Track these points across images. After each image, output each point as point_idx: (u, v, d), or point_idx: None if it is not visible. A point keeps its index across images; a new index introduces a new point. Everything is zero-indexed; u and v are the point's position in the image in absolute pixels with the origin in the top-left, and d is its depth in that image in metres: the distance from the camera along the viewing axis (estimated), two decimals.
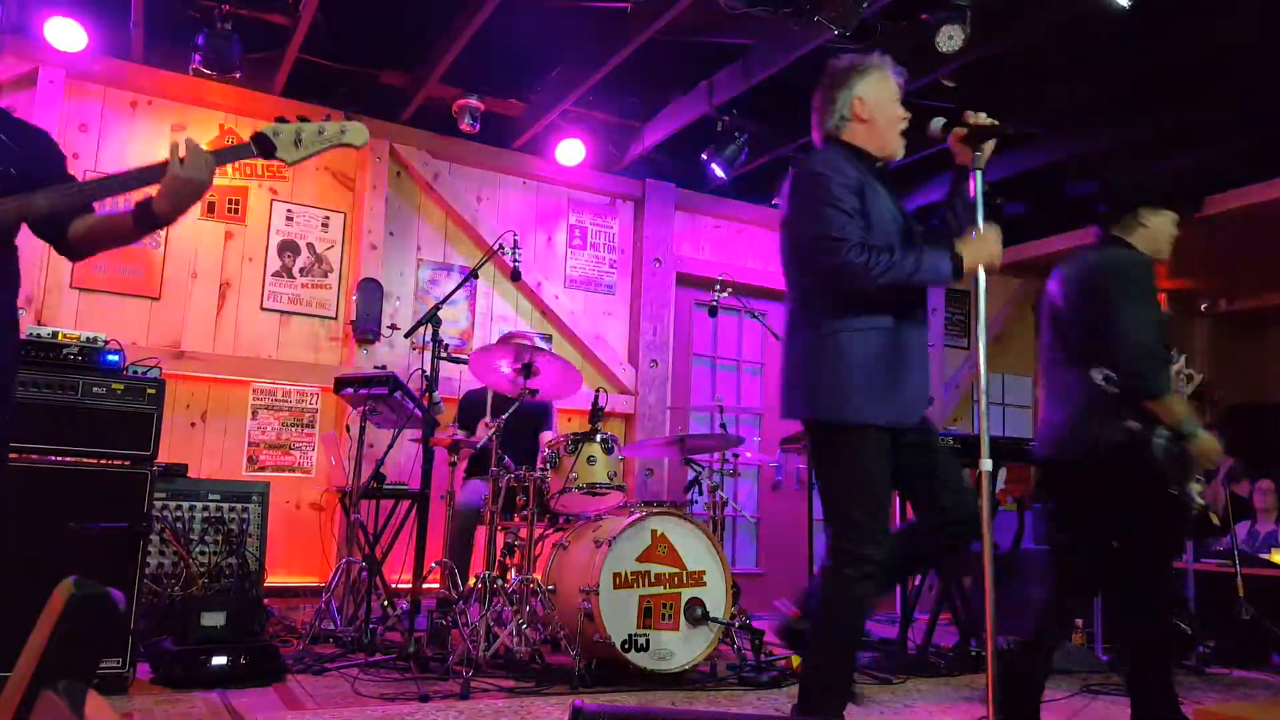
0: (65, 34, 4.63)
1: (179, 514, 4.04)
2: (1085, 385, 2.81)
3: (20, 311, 2.22)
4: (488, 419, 4.29)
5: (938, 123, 2.54)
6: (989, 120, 2.47)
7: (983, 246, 2.42)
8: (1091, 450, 2.82)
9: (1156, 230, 2.98)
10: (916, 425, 2.53)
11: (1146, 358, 2.75)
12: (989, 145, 2.48)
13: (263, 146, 2.04)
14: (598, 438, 4.08)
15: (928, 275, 2.41)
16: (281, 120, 2.08)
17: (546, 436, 4.78)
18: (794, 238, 2.56)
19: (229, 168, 5.28)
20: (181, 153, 1.98)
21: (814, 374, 2.50)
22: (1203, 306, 8.17)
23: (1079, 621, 4.93)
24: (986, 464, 2.33)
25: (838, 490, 2.51)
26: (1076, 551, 2.97)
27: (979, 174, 2.46)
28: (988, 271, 2.42)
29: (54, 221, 2.12)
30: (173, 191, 1.99)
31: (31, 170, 2.08)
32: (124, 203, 2.18)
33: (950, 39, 4.14)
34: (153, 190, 2.04)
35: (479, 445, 4.14)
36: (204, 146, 2.02)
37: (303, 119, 2.12)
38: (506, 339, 4.72)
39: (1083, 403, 2.85)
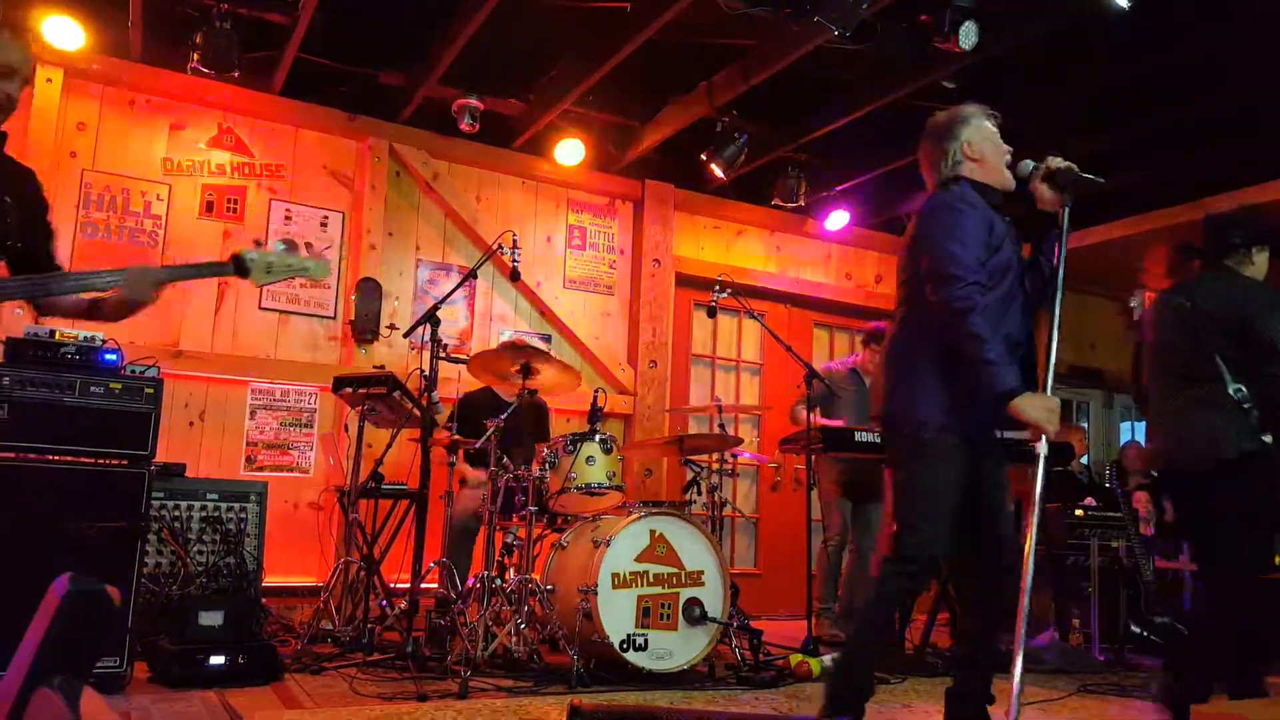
0: (63, 32, 4.63)
1: (177, 513, 4.03)
2: (1218, 397, 3.04)
3: (16, 311, 2.37)
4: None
5: (1026, 166, 2.72)
6: (1075, 168, 2.62)
7: (1040, 407, 2.46)
8: (1216, 454, 3.02)
9: (1260, 267, 3.27)
10: (991, 447, 2.63)
11: None
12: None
13: (239, 267, 2.35)
14: (596, 438, 4.07)
15: (987, 376, 2.47)
16: (258, 244, 2.41)
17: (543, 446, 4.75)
18: (914, 261, 2.70)
19: (227, 166, 5.29)
20: (130, 277, 2.33)
21: (896, 380, 2.72)
22: None
23: (1076, 622, 4.93)
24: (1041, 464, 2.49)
25: (897, 489, 2.68)
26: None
27: (1066, 213, 2.63)
28: (1033, 426, 2.47)
29: None
30: (119, 304, 2.38)
31: (24, 239, 2.42)
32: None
33: (968, 34, 4.15)
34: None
35: (476, 447, 4.13)
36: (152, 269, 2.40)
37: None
38: (505, 346, 4.71)
39: (1214, 414, 3.05)
